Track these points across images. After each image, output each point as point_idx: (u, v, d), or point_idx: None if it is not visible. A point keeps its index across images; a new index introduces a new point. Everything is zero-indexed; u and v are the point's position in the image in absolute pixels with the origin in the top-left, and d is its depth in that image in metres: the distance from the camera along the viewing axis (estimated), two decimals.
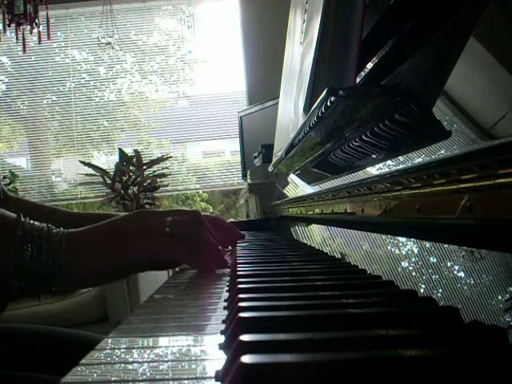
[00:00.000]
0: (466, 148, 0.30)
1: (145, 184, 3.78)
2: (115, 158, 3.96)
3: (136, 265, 0.58)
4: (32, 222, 0.56)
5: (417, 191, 0.36)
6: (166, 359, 0.28)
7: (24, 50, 3.49)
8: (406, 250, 0.44)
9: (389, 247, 0.49)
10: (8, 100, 4.21)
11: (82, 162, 3.91)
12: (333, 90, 0.45)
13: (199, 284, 0.57)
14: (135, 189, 3.74)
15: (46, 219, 0.58)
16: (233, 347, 0.24)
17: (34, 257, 0.53)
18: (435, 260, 0.38)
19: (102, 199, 3.94)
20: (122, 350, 0.30)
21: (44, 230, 0.55)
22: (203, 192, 5.03)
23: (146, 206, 3.69)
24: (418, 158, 0.39)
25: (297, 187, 1.06)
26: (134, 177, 3.76)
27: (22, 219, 0.55)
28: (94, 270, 0.56)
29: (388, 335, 0.25)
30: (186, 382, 0.24)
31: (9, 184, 3.79)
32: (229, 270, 0.63)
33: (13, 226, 0.55)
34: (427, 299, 0.35)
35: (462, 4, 0.38)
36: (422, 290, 0.38)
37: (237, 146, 3.56)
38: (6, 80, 4.20)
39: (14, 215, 0.56)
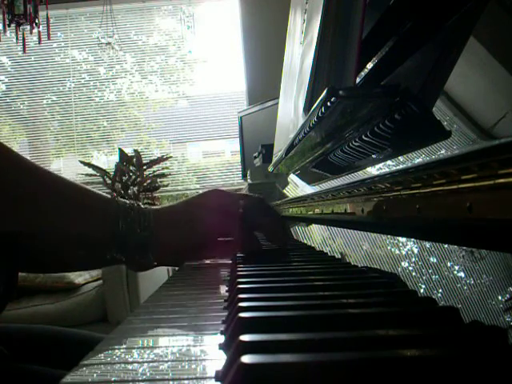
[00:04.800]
0: (465, 148, 0.30)
1: (145, 184, 3.78)
2: (115, 157, 3.96)
3: (210, 238, 0.64)
4: (123, 199, 0.62)
5: (417, 191, 0.36)
6: (166, 359, 0.28)
7: (24, 50, 3.49)
8: (405, 250, 0.44)
9: (389, 247, 0.49)
10: (8, 100, 4.21)
11: (81, 162, 3.91)
12: (333, 90, 0.45)
13: (199, 284, 0.57)
14: (135, 189, 3.74)
15: None
16: (233, 347, 0.24)
17: (127, 229, 0.59)
18: (435, 260, 0.38)
19: None
20: (122, 350, 0.30)
21: (135, 206, 0.61)
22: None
23: (146, 205, 3.69)
24: (418, 158, 0.39)
25: (297, 187, 1.06)
26: (134, 177, 3.76)
27: (116, 197, 0.62)
28: (179, 243, 0.62)
29: (388, 335, 0.25)
30: (185, 382, 0.24)
31: None
32: (229, 270, 0.63)
33: (108, 202, 0.61)
34: (427, 299, 0.35)
35: (462, 4, 0.38)
36: (422, 290, 0.38)
37: (237, 146, 3.55)
38: (6, 80, 4.20)
39: (108, 196, 0.62)
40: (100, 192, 0.63)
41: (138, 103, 4.28)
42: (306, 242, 0.92)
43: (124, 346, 0.31)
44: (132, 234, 0.59)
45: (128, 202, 0.62)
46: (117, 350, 0.30)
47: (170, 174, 3.94)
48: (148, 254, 0.61)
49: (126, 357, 0.29)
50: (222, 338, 0.31)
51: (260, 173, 2.15)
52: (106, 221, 0.60)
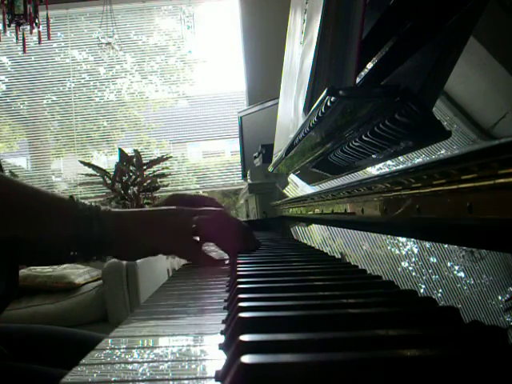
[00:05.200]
0: (465, 148, 0.30)
1: (145, 184, 3.78)
2: (115, 158, 3.96)
3: (163, 250, 0.69)
4: (83, 201, 0.66)
5: (417, 191, 0.36)
6: (166, 359, 0.28)
7: (24, 50, 3.49)
8: (405, 250, 0.44)
9: (389, 247, 0.49)
10: (8, 100, 4.21)
11: (81, 162, 3.91)
12: (333, 90, 0.45)
13: (199, 284, 0.57)
14: (135, 189, 3.74)
15: None
16: (233, 347, 0.24)
17: (85, 230, 0.64)
18: (435, 260, 0.38)
19: (101, 199, 3.93)
20: (121, 350, 0.30)
21: (93, 209, 0.65)
22: (203, 192, 5.03)
23: (146, 205, 3.69)
24: (418, 158, 0.39)
25: (297, 187, 1.06)
26: (134, 177, 3.76)
27: (76, 200, 0.65)
28: (132, 247, 0.68)
29: (388, 335, 0.25)
30: (185, 381, 0.24)
31: None
32: (229, 269, 0.63)
33: (69, 205, 0.65)
34: (427, 299, 0.35)
35: (462, 4, 0.38)
36: (422, 290, 0.38)
37: (237, 146, 3.55)
38: (6, 80, 4.20)
39: (67, 197, 0.66)
40: (62, 195, 0.67)
41: (138, 103, 4.28)
42: (306, 242, 0.92)
43: (124, 346, 0.31)
44: (90, 236, 0.64)
45: (88, 204, 0.66)
46: (117, 350, 0.30)
47: (170, 174, 3.94)
48: (104, 254, 0.67)
49: (126, 357, 0.29)
50: (222, 338, 0.31)
51: (260, 173, 2.15)
52: (67, 225, 0.64)
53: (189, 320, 0.38)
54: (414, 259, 0.42)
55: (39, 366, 0.68)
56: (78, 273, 2.63)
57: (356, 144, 0.57)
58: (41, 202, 0.65)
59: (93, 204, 0.66)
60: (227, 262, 0.71)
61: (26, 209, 0.64)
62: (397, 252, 0.46)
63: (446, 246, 0.36)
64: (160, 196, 3.91)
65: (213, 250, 0.78)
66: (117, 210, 0.68)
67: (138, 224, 0.68)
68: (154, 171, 3.84)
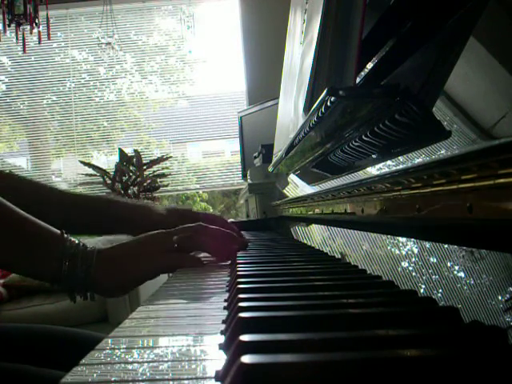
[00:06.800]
0: (465, 148, 0.30)
1: (145, 184, 3.78)
2: (115, 157, 3.96)
3: (151, 275, 0.70)
4: (71, 239, 0.66)
5: (417, 191, 0.36)
6: (166, 359, 0.28)
7: (24, 50, 3.49)
8: (406, 250, 0.44)
9: (389, 247, 0.49)
10: (8, 100, 4.21)
11: (81, 162, 3.91)
12: (333, 90, 0.45)
13: (199, 284, 0.57)
14: (135, 189, 3.74)
15: (45, 201, 0.72)
16: (233, 347, 0.24)
17: (69, 270, 0.64)
18: (435, 260, 0.38)
19: None
20: (122, 350, 0.30)
21: (80, 249, 0.65)
22: (203, 192, 5.03)
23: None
24: (418, 158, 0.39)
25: (297, 187, 1.06)
26: (134, 177, 3.76)
27: (65, 236, 0.65)
28: (117, 283, 0.68)
29: (388, 335, 0.25)
30: (185, 381, 0.24)
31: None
32: (229, 269, 0.64)
33: (56, 241, 0.65)
34: (427, 299, 0.35)
35: (462, 4, 0.38)
36: (421, 290, 0.38)
37: (237, 146, 3.55)
38: (6, 80, 4.20)
39: (58, 231, 0.66)
40: (51, 229, 0.66)
41: (138, 103, 4.28)
42: (306, 242, 0.92)
43: (124, 346, 0.31)
44: (73, 275, 0.64)
45: (76, 243, 0.66)
46: (117, 350, 0.30)
47: (170, 174, 3.94)
48: (86, 293, 0.67)
49: (126, 357, 0.29)
50: (222, 338, 0.31)
51: (260, 173, 2.15)
52: (51, 260, 0.64)
53: (189, 320, 0.38)
54: (414, 259, 0.42)
55: (31, 367, 0.67)
56: None
57: (356, 144, 0.57)
58: (27, 232, 0.65)
59: (81, 243, 0.66)
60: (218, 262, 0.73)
61: (15, 238, 0.64)
62: (397, 252, 0.46)
63: (445, 246, 0.36)
64: (160, 196, 3.91)
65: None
66: (103, 248, 0.68)
67: (124, 257, 0.68)
68: (153, 171, 3.84)
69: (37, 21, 3.35)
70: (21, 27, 3.37)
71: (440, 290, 0.36)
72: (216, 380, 0.24)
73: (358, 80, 0.52)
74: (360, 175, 0.55)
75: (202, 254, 0.78)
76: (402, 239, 0.45)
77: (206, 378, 0.25)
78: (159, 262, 0.69)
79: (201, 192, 5.05)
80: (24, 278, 2.55)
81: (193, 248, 0.72)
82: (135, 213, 0.90)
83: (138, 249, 0.70)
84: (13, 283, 2.57)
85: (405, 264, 0.44)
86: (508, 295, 0.28)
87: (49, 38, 3.54)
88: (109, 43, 3.77)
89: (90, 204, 0.89)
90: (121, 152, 3.82)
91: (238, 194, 3.35)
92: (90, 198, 0.94)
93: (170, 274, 0.70)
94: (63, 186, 4.18)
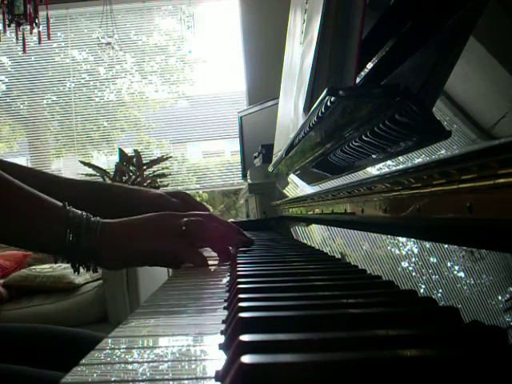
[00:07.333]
0: (465, 148, 0.30)
1: (145, 184, 3.77)
2: (115, 158, 3.95)
3: (152, 255, 0.68)
4: (74, 210, 0.66)
5: (417, 191, 0.36)
6: (166, 359, 0.28)
7: (24, 50, 3.49)
8: (406, 250, 0.44)
9: (389, 247, 0.49)
10: (8, 100, 4.21)
11: (81, 162, 3.91)
12: (333, 90, 0.45)
13: (199, 284, 0.57)
14: None
15: (48, 188, 0.70)
16: (233, 347, 0.24)
17: (73, 240, 0.64)
18: (435, 260, 0.38)
19: None
20: (122, 350, 0.30)
21: (84, 219, 0.65)
22: (203, 192, 5.03)
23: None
24: (418, 158, 0.39)
25: (297, 187, 1.06)
26: (134, 177, 3.76)
27: (67, 207, 0.65)
28: (119, 257, 0.67)
29: (388, 335, 0.25)
30: (185, 382, 0.24)
31: None
32: (229, 270, 0.64)
33: (59, 213, 0.65)
34: (427, 299, 0.35)
35: (462, 4, 0.38)
36: (421, 290, 0.38)
37: (237, 146, 3.55)
38: (6, 80, 4.20)
39: (60, 203, 0.66)
40: (53, 201, 0.66)
41: (138, 103, 4.28)
42: (306, 242, 0.92)
43: (124, 346, 0.31)
44: (78, 245, 0.64)
45: (78, 214, 0.65)
46: (117, 350, 0.30)
47: (170, 174, 3.94)
48: (90, 264, 0.66)
49: (126, 357, 0.29)
50: (222, 338, 0.31)
51: (260, 173, 2.15)
52: (55, 230, 0.64)
53: (189, 320, 0.38)
54: (414, 259, 0.42)
55: (28, 368, 0.67)
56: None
57: (356, 144, 0.57)
58: (32, 204, 0.65)
59: (84, 214, 0.66)
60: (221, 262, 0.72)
61: (18, 209, 0.64)
62: (397, 252, 0.46)
63: (445, 246, 0.36)
64: None
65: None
66: (107, 220, 0.68)
67: (128, 231, 0.68)
68: (154, 171, 3.84)
69: (37, 21, 3.35)
70: (21, 27, 3.37)
71: (440, 290, 0.36)
72: (216, 380, 0.24)
73: (358, 80, 0.52)
74: (360, 175, 0.55)
75: (205, 254, 0.78)
76: (402, 239, 0.45)
77: (205, 378, 0.25)
78: (165, 244, 0.67)
79: (201, 192, 5.05)
80: (24, 278, 2.55)
81: (199, 233, 0.70)
82: (132, 195, 0.90)
83: (143, 225, 0.68)
84: (13, 283, 2.58)
85: (405, 264, 0.44)
86: (508, 295, 0.28)
87: (49, 38, 3.54)
88: (109, 43, 3.77)
89: (85, 188, 0.89)
90: (121, 152, 3.82)
91: (238, 194, 3.35)
92: (84, 182, 0.94)
93: (170, 274, 0.70)
94: None
